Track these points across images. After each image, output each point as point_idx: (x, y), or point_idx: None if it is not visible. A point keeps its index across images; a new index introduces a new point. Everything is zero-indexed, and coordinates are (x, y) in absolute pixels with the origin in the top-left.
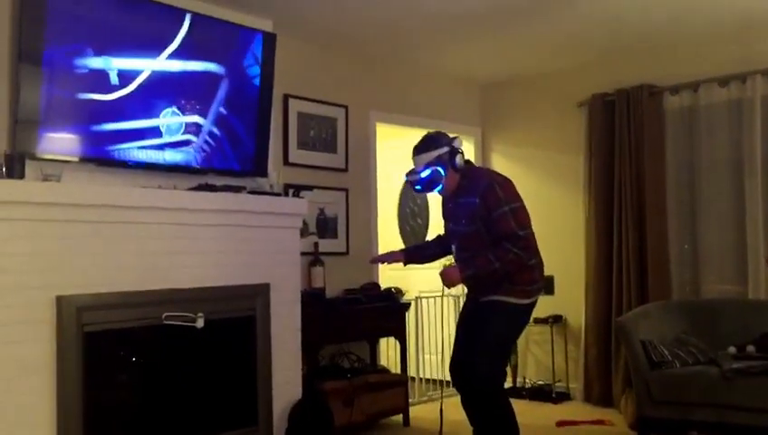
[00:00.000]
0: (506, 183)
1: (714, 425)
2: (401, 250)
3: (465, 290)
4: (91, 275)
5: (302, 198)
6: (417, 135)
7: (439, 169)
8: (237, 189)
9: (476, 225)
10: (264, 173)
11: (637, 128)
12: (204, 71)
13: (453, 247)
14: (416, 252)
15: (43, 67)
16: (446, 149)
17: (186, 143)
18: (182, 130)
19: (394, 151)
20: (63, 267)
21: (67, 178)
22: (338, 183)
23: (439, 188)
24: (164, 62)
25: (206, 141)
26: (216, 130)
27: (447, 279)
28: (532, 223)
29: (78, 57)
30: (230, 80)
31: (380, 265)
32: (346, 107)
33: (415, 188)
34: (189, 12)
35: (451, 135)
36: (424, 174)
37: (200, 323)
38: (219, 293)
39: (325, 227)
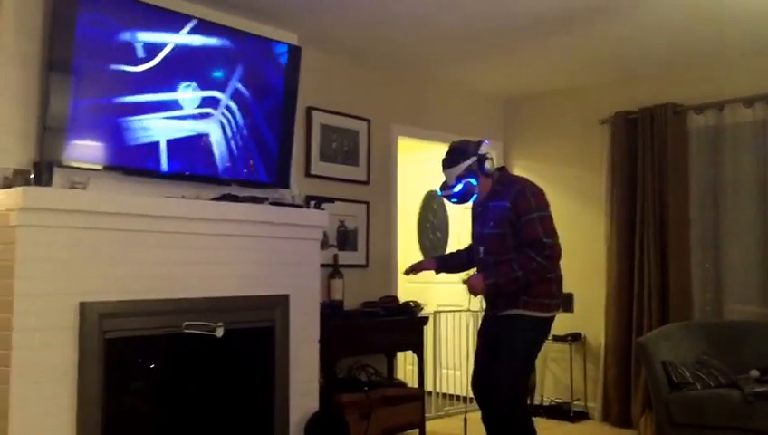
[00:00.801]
0: (538, 192)
1: None
2: (433, 258)
3: (484, 305)
4: (113, 282)
5: (324, 209)
6: (438, 149)
7: (471, 180)
8: (260, 200)
9: (503, 229)
10: (286, 184)
11: (660, 146)
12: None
13: (479, 252)
14: (447, 260)
15: (73, 76)
16: (474, 159)
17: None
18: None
19: (415, 165)
20: (87, 274)
21: (93, 186)
22: (359, 196)
23: (474, 197)
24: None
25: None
26: (240, 139)
27: (472, 288)
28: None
29: (106, 65)
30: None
31: (399, 279)
32: (368, 120)
33: (451, 201)
34: (214, 23)
35: (475, 140)
36: (457, 189)
37: (220, 333)
38: (239, 303)
39: (345, 239)
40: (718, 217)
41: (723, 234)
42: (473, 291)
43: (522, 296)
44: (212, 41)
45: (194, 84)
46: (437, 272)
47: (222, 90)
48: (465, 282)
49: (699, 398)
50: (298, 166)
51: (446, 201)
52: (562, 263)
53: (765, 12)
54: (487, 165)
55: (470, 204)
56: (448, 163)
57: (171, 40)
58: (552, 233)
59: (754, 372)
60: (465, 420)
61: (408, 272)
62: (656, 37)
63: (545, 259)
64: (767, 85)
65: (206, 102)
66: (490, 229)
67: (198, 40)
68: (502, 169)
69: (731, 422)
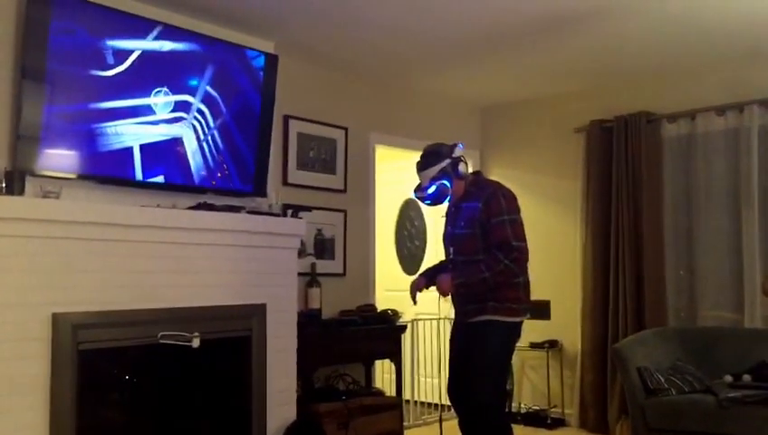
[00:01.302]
0: (511, 196)
1: None
2: (420, 275)
3: (452, 312)
4: (87, 292)
5: (301, 218)
6: (415, 157)
7: (444, 181)
8: (236, 209)
9: (474, 229)
10: (263, 193)
11: (634, 155)
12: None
13: (449, 252)
14: (435, 273)
15: (46, 84)
16: (447, 161)
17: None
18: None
19: (393, 174)
20: (60, 285)
21: (67, 196)
22: (336, 204)
23: (448, 199)
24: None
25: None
26: (213, 147)
27: (440, 286)
28: (529, 246)
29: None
30: (233, 98)
31: (377, 287)
32: (346, 129)
33: (425, 202)
34: (191, 32)
35: (450, 143)
36: (430, 190)
37: (196, 343)
38: (216, 312)
39: (323, 247)
40: (692, 224)
41: (696, 241)
42: (441, 290)
43: (490, 302)
44: (185, 49)
45: (166, 90)
46: (428, 287)
47: (195, 98)
48: (436, 280)
49: (674, 403)
50: (275, 174)
51: (421, 206)
52: (538, 271)
53: (736, 23)
54: (461, 168)
55: (445, 207)
56: (422, 166)
57: (142, 46)
58: (521, 237)
59: (728, 378)
60: (441, 425)
61: (414, 300)
62: (629, 47)
63: (513, 262)
64: (738, 94)
65: (178, 109)
66: (461, 229)
67: (170, 47)
68: (477, 173)
69: (706, 427)
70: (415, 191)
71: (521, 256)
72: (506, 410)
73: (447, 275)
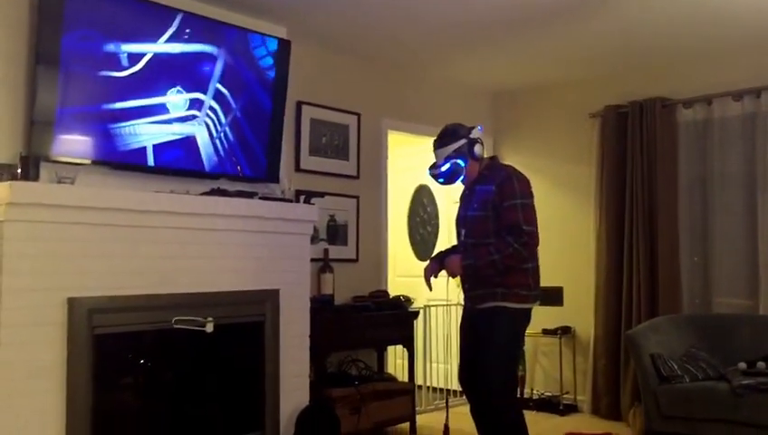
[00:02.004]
0: (525, 180)
1: None
2: (432, 259)
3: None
4: (102, 277)
5: (313, 204)
6: (428, 143)
7: (459, 161)
8: (249, 195)
9: (486, 211)
10: (275, 179)
11: (649, 140)
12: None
13: (460, 234)
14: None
15: (60, 69)
16: (464, 141)
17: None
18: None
19: (405, 159)
20: (75, 270)
21: (81, 181)
22: (349, 190)
23: (461, 178)
24: (169, 46)
25: (218, 135)
26: (226, 133)
27: (449, 267)
28: (541, 233)
29: (95, 55)
30: (247, 84)
31: (389, 273)
32: (358, 114)
33: (438, 181)
34: (203, 17)
35: (469, 125)
36: (444, 168)
37: (210, 328)
38: (229, 298)
39: (335, 233)
40: (707, 210)
41: (711, 227)
42: (449, 272)
43: (499, 289)
44: (199, 36)
45: (179, 86)
46: (440, 271)
47: (209, 87)
48: (445, 261)
49: (687, 390)
50: (288, 160)
51: (434, 191)
52: (552, 257)
53: (754, 7)
54: (477, 149)
55: (458, 190)
56: (439, 144)
57: (157, 40)
58: (533, 222)
59: (742, 365)
60: (447, 411)
61: (430, 286)
62: (645, 31)
63: (522, 246)
64: (755, 79)
65: (192, 101)
66: (473, 211)
67: (185, 36)
68: (493, 158)
69: (719, 414)
70: (430, 169)
71: (530, 240)
72: (518, 395)
73: (457, 256)
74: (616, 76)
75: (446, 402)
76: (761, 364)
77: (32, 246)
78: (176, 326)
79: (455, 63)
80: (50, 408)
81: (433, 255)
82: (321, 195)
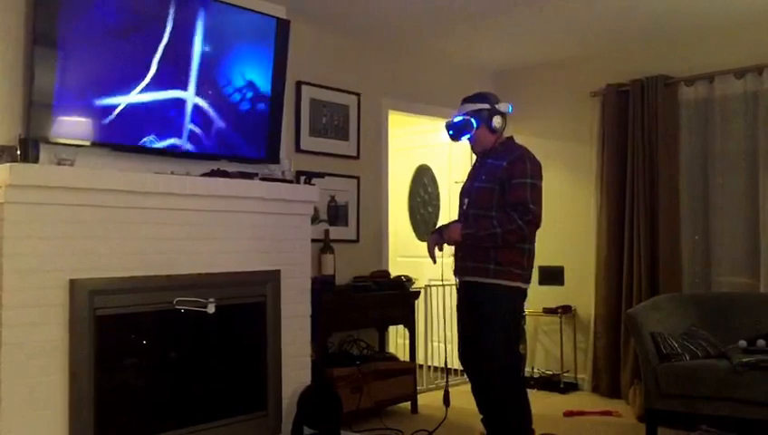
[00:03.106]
0: (536, 162)
1: (723, 419)
2: (437, 230)
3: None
4: (103, 259)
5: (314, 184)
6: (428, 123)
7: (472, 120)
8: (250, 176)
9: (493, 184)
10: (276, 160)
11: (651, 119)
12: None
13: (463, 203)
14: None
15: (58, 50)
16: (486, 106)
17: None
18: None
19: (406, 139)
20: (76, 251)
21: (81, 163)
22: (349, 170)
23: (468, 136)
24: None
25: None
26: (227, 114)
27: (450, 234)
28: (544, 212)
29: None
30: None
31: (390, 253)
32: (358, 94)
33: (448, 133)
34: None
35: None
36: (457, 119)
37: (211, 309)
38: (230, 279)
39: (336, 214)
40: (708, 188)
41: (712, 206)
42: (449, 238)
43: (491, 265)
44: (198, 13)
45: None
46: (442, 244)
47: (209, 66)
48: (444, 227)
49: (688, 368)
50: (288, 141)
51: (435, 173)
52: (553, 236)
53: None
54: (495, 120)
55: (453, 186)
56: (465, 100)
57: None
58: (538, 203)
59: (742, 343)
60: (447, 391)
61: (434, 259)
62: (646, 8)
63: (526, 224)
64: (757, 57)
65: (191, 79)
66: (480, 183)
67: (182, 15)
68: (510, 138)
69: (719, 392)
70: (447, 121)
71: (534, 220)
72: (521, 374)
73: (458, 224)
74: (617, 54)
75: (446, 384)
76: (761, 342)
77: (32, 228)
78: (177, 307)
79: (455, 43)
80: (52, 388)
81: (434, 229)
82: (322, 175)
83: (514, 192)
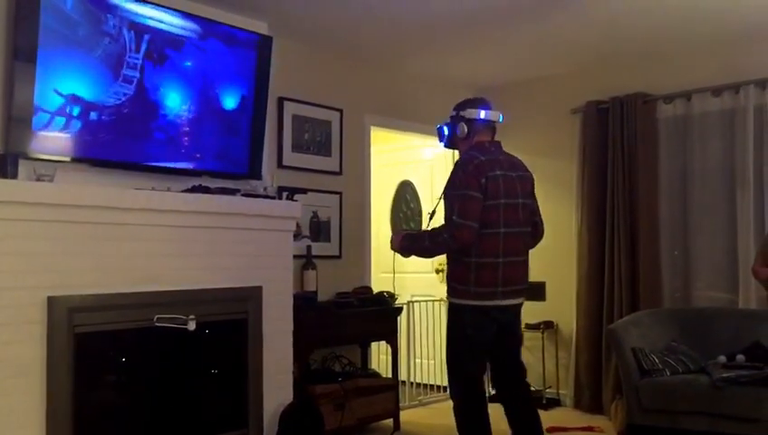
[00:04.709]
0: (468, 170)
1: (703, 434)
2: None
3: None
4: (83, 276)
5: (296, 201)
6: (411, 139)
7: (445, 127)
8: (231, 192)
9: (443, 198)
10: (258, 176)
11: (630, 135)
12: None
13: None
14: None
15: (38, 65)
16: (454, 113)
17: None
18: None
19: (388, 155)
20: (55, 268)
21: (60, 179)
22: (332, 186)
23: (443, 143)
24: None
25: (196, 137)
26: (208, 130)
27: (391, 241)
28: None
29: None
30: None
31: (373, 269)
32: (341, 110)
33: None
34: (184, 12)
35: (479, 106)
36: (439, 126)
37: (192, 326)
38: (211, 295)
39: (318, 230)
40: (686, 204)
41: (691, 221)
42: (391, 244)
43: (449, 283)
44: (179, 31)
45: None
46: None
47: (191, 81)
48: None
49: (668, 384)
50: (270, 157)
51: (417, 188)
52: (534, 252)
53: (732, 4)
54: (459, 127)
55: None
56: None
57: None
58: (470, 216)
59: (722, 358)
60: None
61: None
62: (625, 27)
63: (451, 238)
64: (734, 75)
65: (172, 95)
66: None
67: (165, 27)
68: (479, 143)
69: (699, 407)
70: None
71: (461, 234)
72: (477, 403)
73: (401, 233)
74: (597, 72)
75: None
76: (740, 357)
77: (11, 244)
78: (157, 324)
79: (437, 60)
80: (30, 407)
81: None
82: (304, 191)
83: (444, 205)
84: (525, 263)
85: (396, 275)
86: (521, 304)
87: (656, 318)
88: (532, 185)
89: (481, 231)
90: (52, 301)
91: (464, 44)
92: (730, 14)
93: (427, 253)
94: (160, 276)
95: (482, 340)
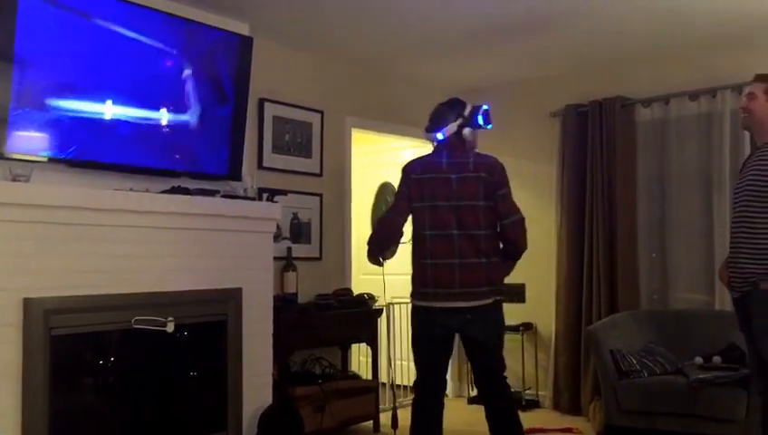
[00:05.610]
0: (406, 172)
1: (680, 434)
2: None
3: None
4: (59, 277)
5: (276, 202)
6: (392, 142)
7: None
8: (211, 193)
9: None
10: (238, 177)
11: (609, 139)
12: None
13: None
14: None
15: (15, 65)
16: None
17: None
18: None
19: (369, 157)
20: (31, 269)
21: (37, 179)
22: (312, 188)
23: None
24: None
25: (179, 139)
26: (187, 130)
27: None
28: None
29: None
30: (203, 78)
31: (353, 271)
32: (322, 112)
33: None
34: (164, 13)
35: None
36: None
37: (170, 328)
38: (190, 297)
39: (299, 231)
40: (664, 207)
41: (669, 224)
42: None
43: None
44: (158, 31)
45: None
46: None
47: (170, 82)
48: None
49: (646, 385)
50: (250, 158)
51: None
52: None
53: (709, 9)
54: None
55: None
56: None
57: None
58: (391, 213)
59: (699, 359)
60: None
61: None
62: (605, 33)
63: (374, 233)
64: (711, 80)
65: (151, 95)
66: None
67: (142, 31)
68: (441, 146)
69: (676, 408)
70: None
71: (380, 227)
72: (418, 403)
73: None
74: (576, 76)
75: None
76: (716, 359)
77: None
78: (136, 326)
79: (418, 62)
80: (5, 411)
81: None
82: (284, 193)
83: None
84: (466, 266)
85: (376, 277)
86: (473, 309)
87: (634, 320)
88: (489, 185)
89: (419, 232)
90: (28, 303)
91: (446, 49)
92: (707, 19)
93: (370, 248)
94: (138, 278)
95: (423, 339)
